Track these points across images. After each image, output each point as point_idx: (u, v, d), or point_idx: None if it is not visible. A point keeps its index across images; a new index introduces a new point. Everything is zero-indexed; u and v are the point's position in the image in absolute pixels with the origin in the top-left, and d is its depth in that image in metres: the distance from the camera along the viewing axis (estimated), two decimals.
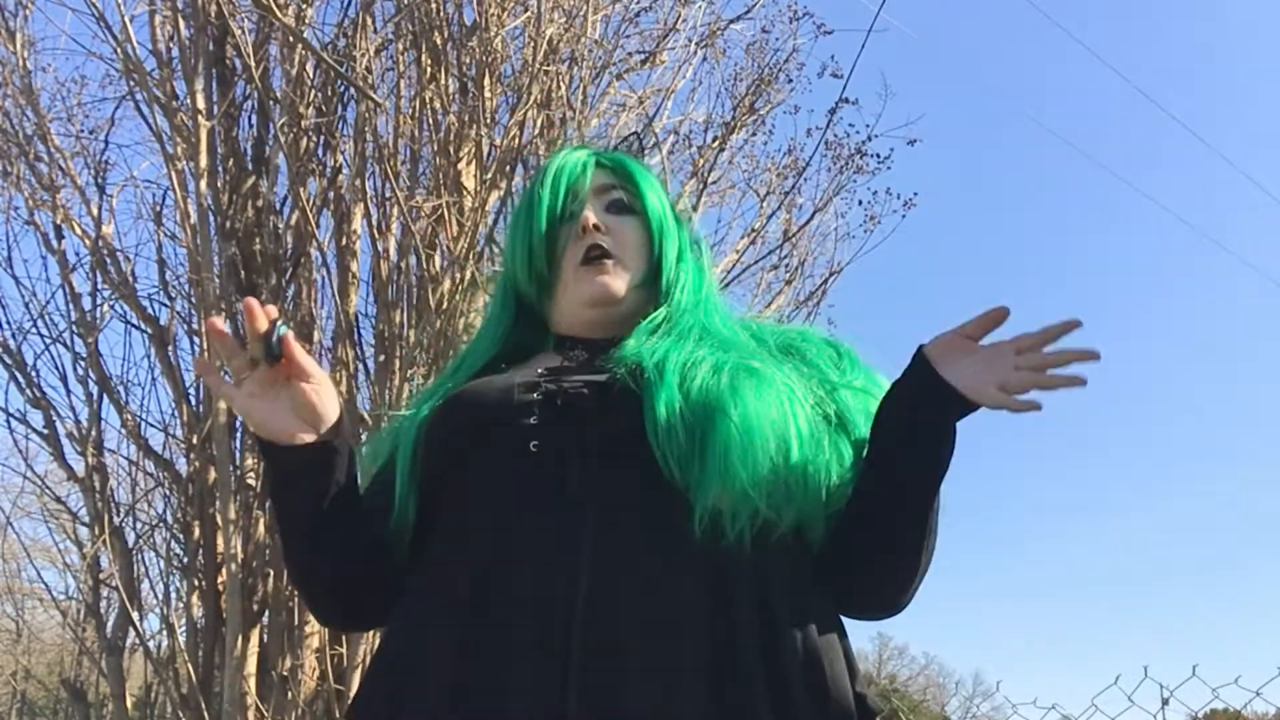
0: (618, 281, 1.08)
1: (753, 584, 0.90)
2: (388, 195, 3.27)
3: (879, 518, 0.96)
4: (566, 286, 1.09)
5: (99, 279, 3.37)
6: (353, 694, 1.01)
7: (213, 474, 3.07)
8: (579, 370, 1.01)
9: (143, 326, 3.33)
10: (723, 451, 0.90)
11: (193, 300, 3.29)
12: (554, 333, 1.12)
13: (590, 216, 1.08)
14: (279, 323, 0.92)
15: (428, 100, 3.29)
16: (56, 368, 3.36)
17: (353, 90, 3.21)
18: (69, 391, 3.35)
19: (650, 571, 0.88)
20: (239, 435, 3.20)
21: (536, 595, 0.88)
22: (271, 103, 3.29)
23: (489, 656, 0.88)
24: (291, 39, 3.22)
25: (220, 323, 0.95)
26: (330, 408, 0.96)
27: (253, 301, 0.91)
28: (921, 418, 0.94)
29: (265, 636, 3.06)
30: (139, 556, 3.30)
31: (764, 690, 0.86)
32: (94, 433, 3.27)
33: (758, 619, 0.89)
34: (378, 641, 1.01)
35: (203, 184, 3.12)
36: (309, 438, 0.95)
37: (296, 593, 3.01)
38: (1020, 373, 0.91)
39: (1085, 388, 0.91)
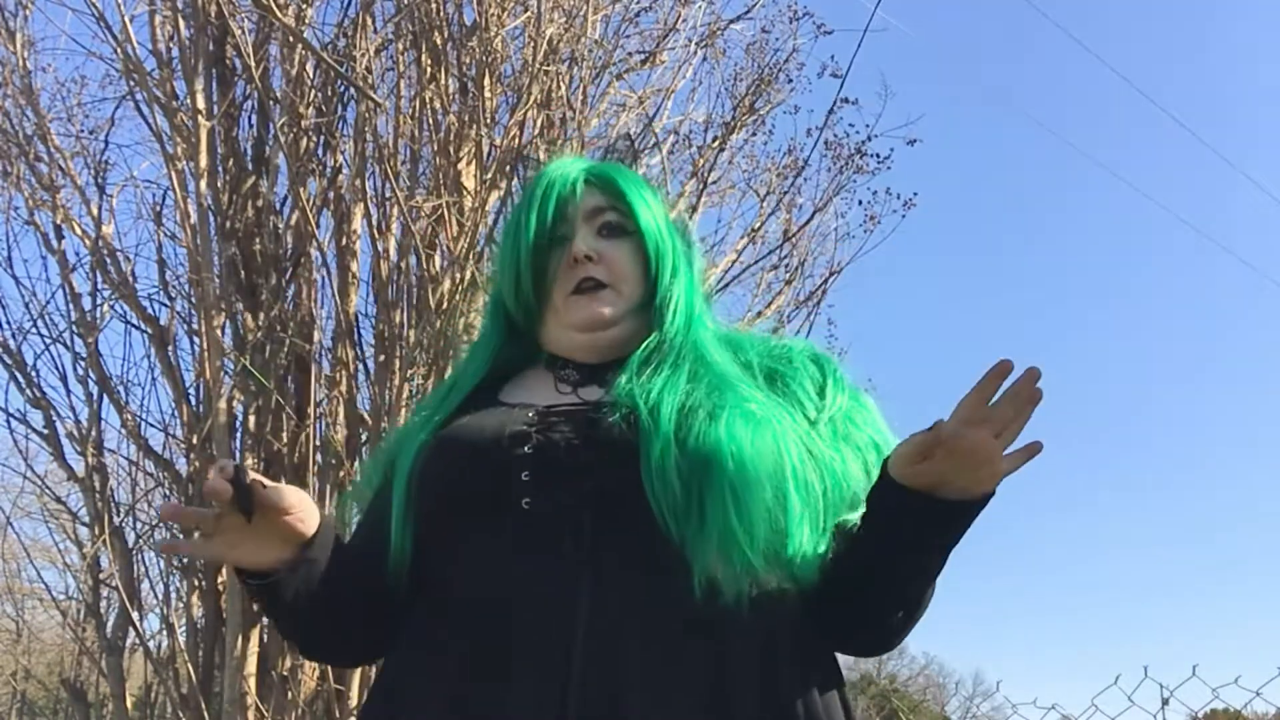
0: (610, 308, 1.06)
1: (752, 637, 0.90)
2: (388, 195, 3.26)
3: (872, 599, 0.95)
4: (557, 312, 1.07)
5: (99, 279, 3.37)
6: (355, 706, 1.03)
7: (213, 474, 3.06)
8: (572, 416, 0.98)
9: (143, 326, 3.32)
10: (721, 510, 0.88)
11: (193, 300, 3.29)
12: (546, 351, 1.10)
13: (581, 247, 1.06)
14: (240, 474, 0.91)
15: (428, 100, 3.28)
16: (56, 368, 3.36)
17: (353, 90, 3.21)
18: (69, 391, 3.34)
19: (648, 626, 0.88)
20: (239, 435, 3.20)
21: (539, 633, 0.88)
22: (271, 103, 3.29)
23: (489, 678, 0.88)
24: (291, 39, 3.22)
25: (171, 509, 0.97)
26: (311, 522, 0.96)
27: (212, 481, 0.91)
28: (943, 540, 0.91)
29: (265, 636, 3.06)
30: (139, 556, 3.29)
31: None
32: (94, 433, 3.27)
33: (758, 669, 0.88)
34: (378, 670, 1.02)
35: (203, 184, 3.12)
36: (287, 556, 0.96)
37: None
38: (1001, 437, 0.86)
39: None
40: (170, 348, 3.31)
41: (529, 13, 3.37)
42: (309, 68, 3.34)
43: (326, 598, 0.98)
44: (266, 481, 0.92)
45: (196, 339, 3.26)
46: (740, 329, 1.17)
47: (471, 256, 3.03)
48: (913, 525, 0.89)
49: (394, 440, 1.11)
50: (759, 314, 4.30)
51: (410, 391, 2.94)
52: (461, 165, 3.23)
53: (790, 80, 4.41)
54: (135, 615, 3.17)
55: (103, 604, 3.80)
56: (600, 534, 0.91)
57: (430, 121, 3.30)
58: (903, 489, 0.88)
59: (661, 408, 0.93)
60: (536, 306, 1.08)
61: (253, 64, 3.15)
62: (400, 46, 3.35)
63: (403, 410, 2.87)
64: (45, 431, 3.29)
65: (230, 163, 3.35)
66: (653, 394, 0.95)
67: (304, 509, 0.95)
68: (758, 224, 4.40)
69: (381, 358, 3.12)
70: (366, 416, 3.08)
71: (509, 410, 1.02)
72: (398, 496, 1.00)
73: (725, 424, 0.92)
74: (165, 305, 3.38)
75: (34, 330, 3.37)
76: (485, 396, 1.06)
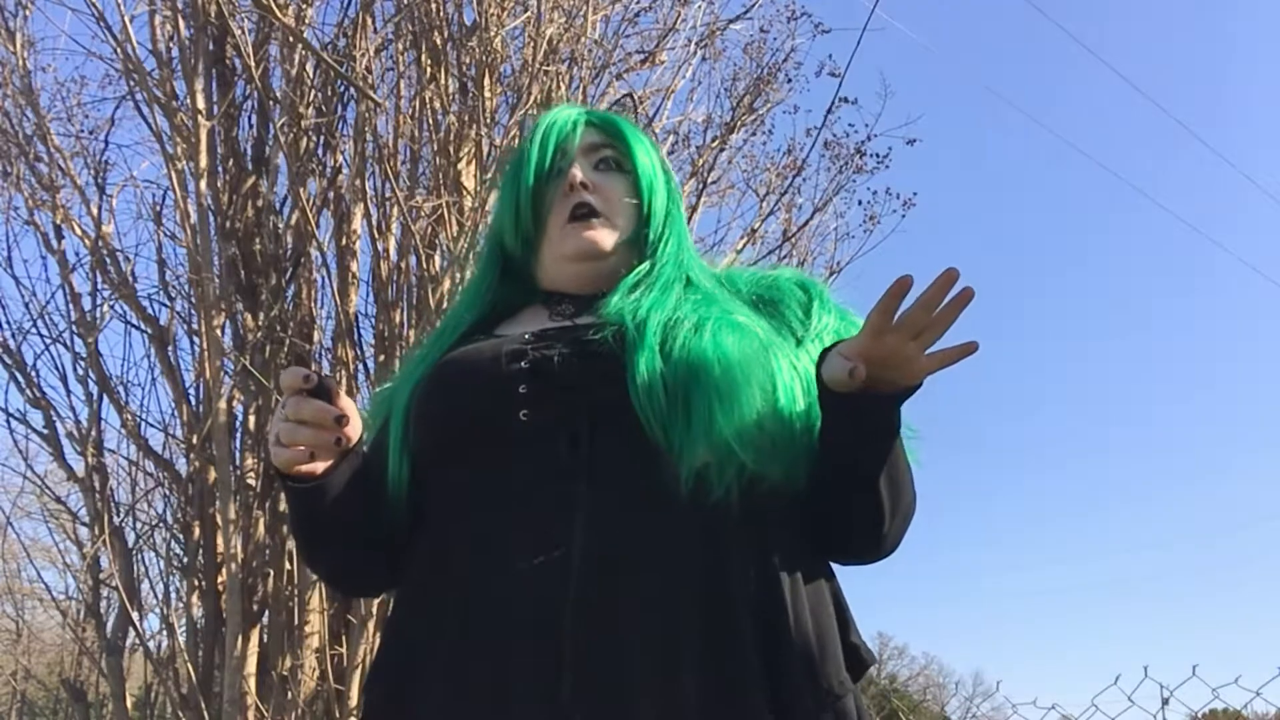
0: (605, 237, 1.08)
1: (745, 545, 0.91)
2: (388, 195, 3.27)
3: (840, 498, 0.96)
4: (552, 242, 1.09)
5: (99, 279, 3.37)
6: (367, 676, 1.03)
7: (213, 474, 3.07)
8: (565, 335, 1.01)
9: (143, 326, 3.33)
10: (705, 410, 0.90)
11: (193, 300, 3.29)
12: (541, 288, 1.12)
13: (577, 174, 1.08)
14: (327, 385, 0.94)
15: (428, 100, 3.29)
16: (56, 368, 3.36)
17: (353, 90, 3.21)
18: (69, 391, 3.35)
19: (643, 545, 0.89)
20: (239, 435, 3.20)
21: (534, 586, 0.89)
22: (271, 103, 3.29)
23: (488, 650, 0.89)
24: (291, 39, 3.22)
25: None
26: (356, 430, 0.99)
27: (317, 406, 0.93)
28: (869, 442, 0.93)
29: (265, 636, 3.06)
30: (139, 556, 3.30)
31: (759, 665, 0.87)
32: (94, 433, 3.27)
33: (751, 582, 0.90)
34: (382, 631, 1.03)
35: (203, 184, 3.12)
36: (330, 462, 0.98)
37: (297, 591, 3.01)
38: (920, 338, 0.89)
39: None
40: (170, 348, 3.31)
41: (529, 13, 3.37)
42: (309, 68, 3.34)
43: (342, 507, 0.99)
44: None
45: (196, 339, 3.26)
46: (729, 267, 1.19)
47: (471, 256, 3.03)
48: (849, 419, 0.92)
49: (393, 380, 1.13)
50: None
51: None
52: (461, 165, 3.23)
53: (789, 80, 4.42)
54: (135, 615, 3.18)
55: (103, 604, 3.80)
56: (596, 444, 0.93)
57: (430, 121, 3.30)
58: (835, 394, 0.91)
59: (648, 322, 0.96)
60: (535, 238, 1.10)
61: (253, 64, 3.15)
62: (400, 46, 3.35)
63: None
64: (45, 431, 3.29)
65: (230, 163, 3.35)
66: (640, 311, 0.98)
67: (356, 417, 0.98)
68: (757, 224, 4.40)
69: (381, 358, 3.12)
70: (367, 417, 3.08)
71: (505, 337, 1.04)
72: (395, 427, 1.03)
73: (710, 333, 0.95)
74: (165, 305, 3.39)
75: (34, 330, 3.38)
76: (479, 331, 1.09)
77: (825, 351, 0.94)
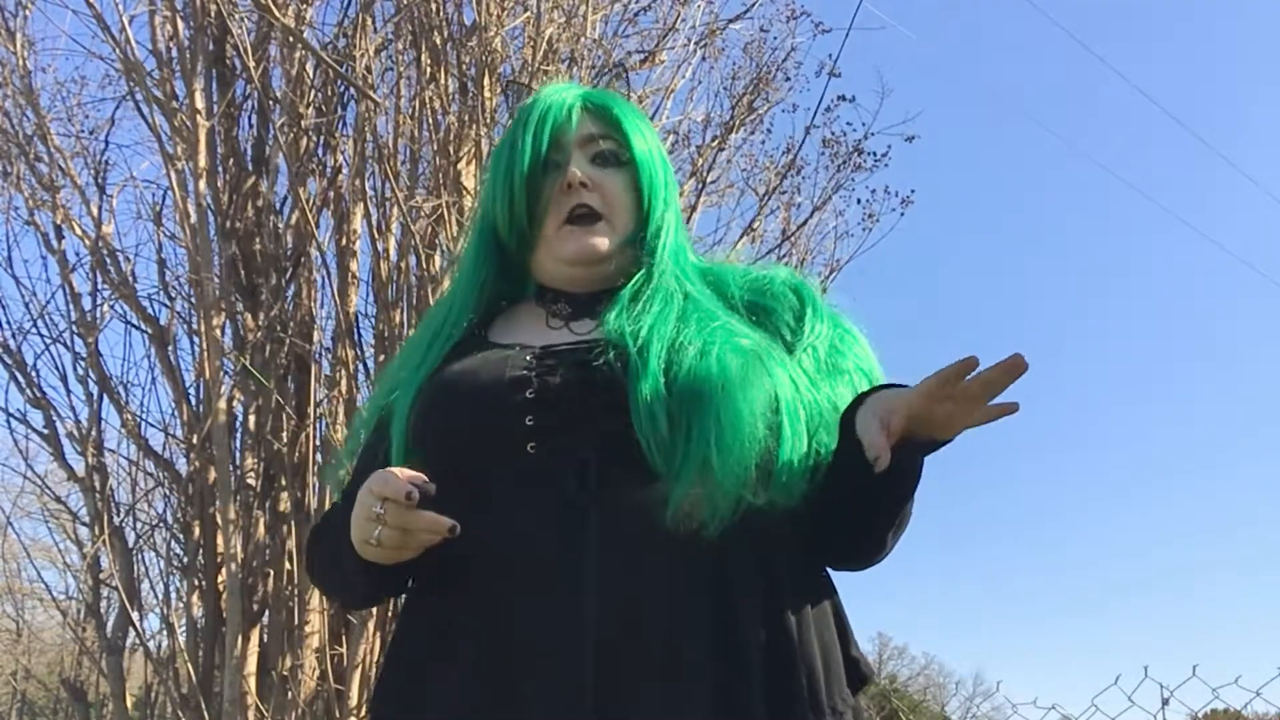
0: (604, 240, 1.05)
1: (749, 564, 0.91)
2: (388, 195, 3.26)
3: (849, 523, 0.96)
4: (548, 241, 1.06)
5: (99, 279, 3.37)
6: (372, 695, 1.02)
7: (213, 474, 3.07)
8: (568, 358, 0.98)
9: (143, 326, 3.32)
10: (702, 444, 0.89)
11: (193, 300, 3.29)
12: (535, 281, 1.10)
13: (576, 173, 1.05)
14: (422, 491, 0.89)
15: (427, 100, 3.28)
16: (56, 368, 3.36)
17: (353, 90, 3.21)
18: (69, 391, 3.35)
19: (654, 574, 0.89)
20: (239, 435, 3.20)
21: (548, 619, 0.88)
22: (271, 103, 3.29)
23: (504, 628, 0.89)
24: (291, 39, 3.22)
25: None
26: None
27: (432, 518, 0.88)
28: (892, 489, 0.92)
29: (265, 636, 3.06)
30: (139, 556, 3.30)
31: (764, 690, 0.87)
32: (94, 433, 3.27)
33: (757, 603, 0.90)
34: (391, 640, 1.03)
35: (202, 184, 3.12)
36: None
37: (297, 591, 3.01)
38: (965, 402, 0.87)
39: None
40: (170, 348, 3.31)
41: (529, 13, 3.37)
42: (309, 68, 3.34)
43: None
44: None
45: (196, 339, 3.26)
46: (721, 261, 1.16)
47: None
48: (876, 475, 0.90)
49: (387, 387, 1.09)
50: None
51: None
52: (461, 165, 3.22)
53: (788, 79, 4.42)
54: (135, 615, 3.17)
55: (103, 604, 3.80)
56: (605, 474, 0.92)
57: (430, 121, 3.29)
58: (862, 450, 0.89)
59: (650, 346, 0.94)
60: (529, 232, 1.07)
61: (252, 64, 3.15)
62: (400, 46, 3.35)
63: None
64: (45, 431, 3.29)
65: (230, 163, 3.35)
66: (642, 332, 0.96)
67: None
68: (756, 222, 4.40)
69: (381, 358, 3.11)
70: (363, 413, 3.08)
71: (504, 352, 1.01)
72: (396, 447, 1.00)
73: (716, 359, 0.93)
74: (165, 305, 3.38)
75: (34, 330, 3.37)
76: (475, 335, 1.06)
77: (864, 395, 0.93)
